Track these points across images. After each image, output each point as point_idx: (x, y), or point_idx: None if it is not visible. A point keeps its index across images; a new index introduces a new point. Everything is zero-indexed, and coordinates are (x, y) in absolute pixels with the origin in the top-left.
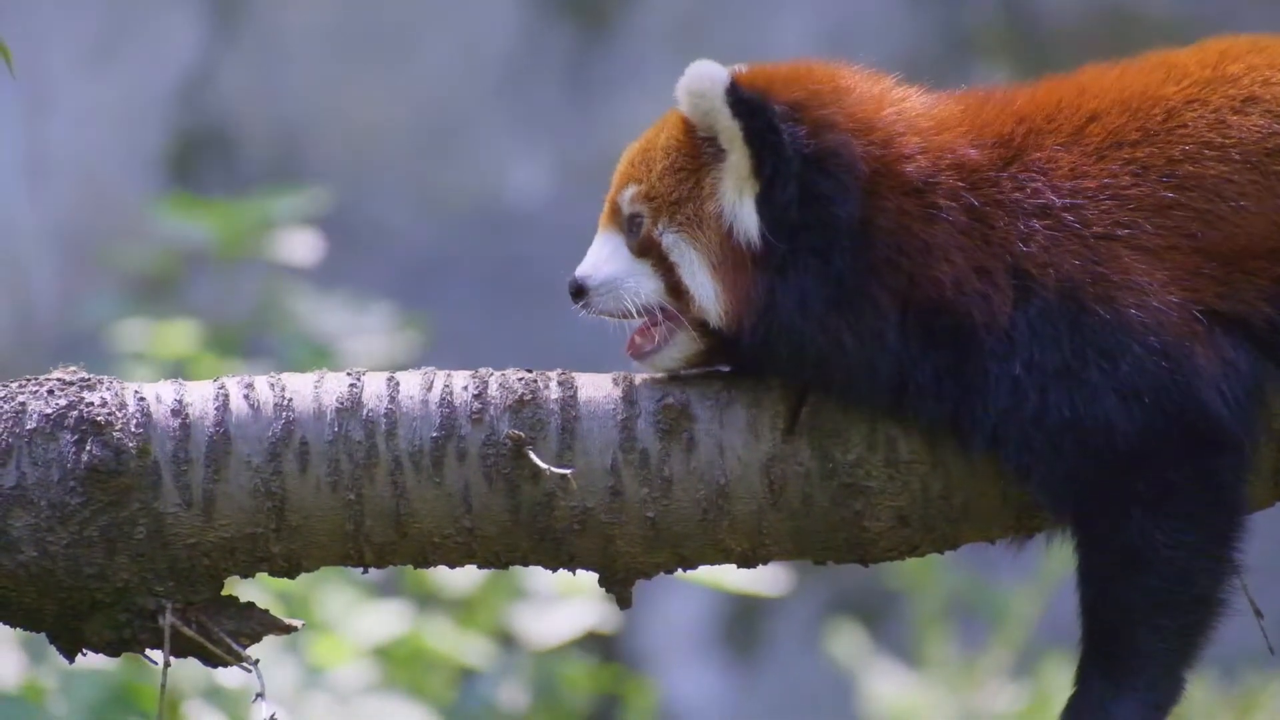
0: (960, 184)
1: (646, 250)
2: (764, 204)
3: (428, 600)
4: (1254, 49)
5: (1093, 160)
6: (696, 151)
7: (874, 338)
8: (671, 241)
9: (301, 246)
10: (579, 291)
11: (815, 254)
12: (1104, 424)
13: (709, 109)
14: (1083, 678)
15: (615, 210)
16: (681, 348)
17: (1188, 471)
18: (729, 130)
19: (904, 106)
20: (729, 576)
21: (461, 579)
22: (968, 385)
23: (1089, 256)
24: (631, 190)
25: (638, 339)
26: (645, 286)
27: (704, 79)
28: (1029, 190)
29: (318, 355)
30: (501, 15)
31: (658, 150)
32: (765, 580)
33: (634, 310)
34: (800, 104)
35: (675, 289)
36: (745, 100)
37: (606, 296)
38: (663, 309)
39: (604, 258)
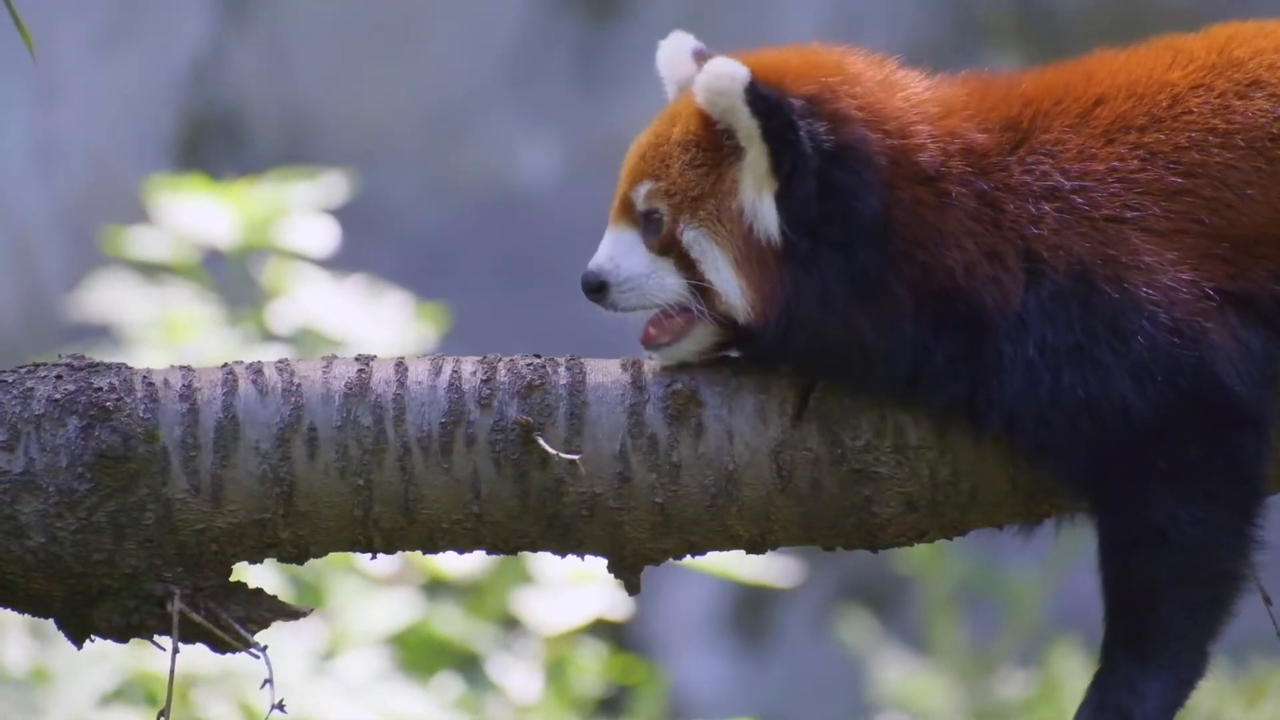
0: (969, 169)
1: (668, 248)
2: (783, 200)
3: (436, 587)
4: (1260, 34)
5: (1100, 143)
6: (717, 145)
7: (893, 329)
8: (693, 238)
9: (318, 235)
10: (600, 288)
11: (838, 248)
12: (1119, 402)
13: (728, 106)
14: (1108, 655)
15: (628, 206)
16: (699, 340)
17: (1207, 448)
18: (748, 128)
19: (910, 93)
20: (739, 567)
21: (470, 565)
22: (982, 368)
23: (1098, 238)
24: (647, 186)
25: (652, 330)
26: (669, 284)
27: (723, 77)
28: (1038, 173)
29: (329, 345)
30: (511, 0)
31: (673, 145)
32: (775, 572)
33: (660, 306)
34: (816, 98)
35: (699, 285)
36: (764, 97)
37: (630, 294)
38: (687, 305)
39: (621, 254)
